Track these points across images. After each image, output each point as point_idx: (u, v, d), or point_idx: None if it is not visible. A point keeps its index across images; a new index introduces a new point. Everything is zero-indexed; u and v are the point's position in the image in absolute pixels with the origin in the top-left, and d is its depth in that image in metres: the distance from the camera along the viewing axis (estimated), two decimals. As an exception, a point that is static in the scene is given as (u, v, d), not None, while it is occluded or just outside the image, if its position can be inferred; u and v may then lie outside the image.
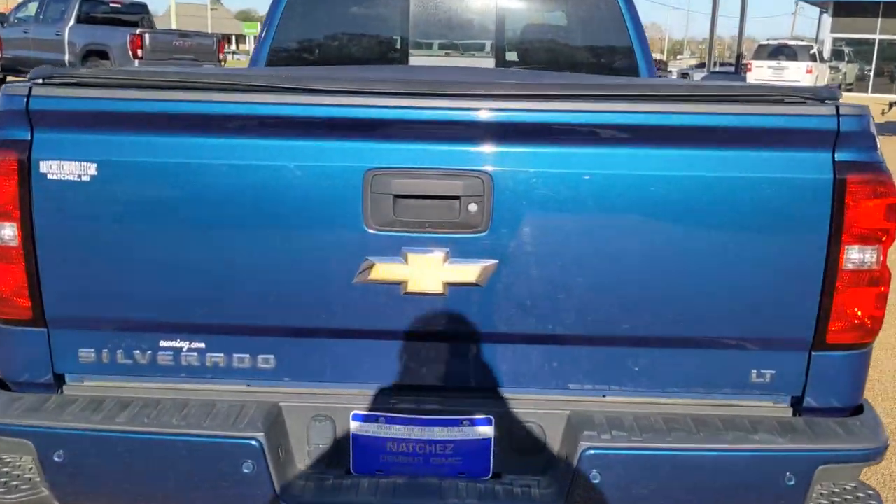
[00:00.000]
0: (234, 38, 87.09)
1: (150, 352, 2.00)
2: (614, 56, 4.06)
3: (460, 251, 1.89)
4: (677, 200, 1.87)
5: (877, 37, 35.51)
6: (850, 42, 36.66)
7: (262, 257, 1.90)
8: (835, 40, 36.55)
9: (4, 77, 15.16)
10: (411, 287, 1.90)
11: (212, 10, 77.65)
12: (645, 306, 1.94)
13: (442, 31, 4.40)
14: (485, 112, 1.88)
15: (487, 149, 1.87)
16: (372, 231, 1.87)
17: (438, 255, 1.88)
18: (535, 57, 4.22)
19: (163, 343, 2.00)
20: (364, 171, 1.85)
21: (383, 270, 1.89)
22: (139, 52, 16.00)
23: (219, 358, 2.01)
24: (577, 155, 1.87)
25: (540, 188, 1.86)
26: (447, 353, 2.03)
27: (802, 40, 36.72)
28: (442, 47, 4.56)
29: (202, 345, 2.00)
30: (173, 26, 36.40)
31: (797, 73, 29.39)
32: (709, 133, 1.89)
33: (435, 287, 1.90)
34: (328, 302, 1.94)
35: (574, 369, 2.02)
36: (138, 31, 16.48)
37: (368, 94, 1.89)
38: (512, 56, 4.27)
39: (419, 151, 1.87)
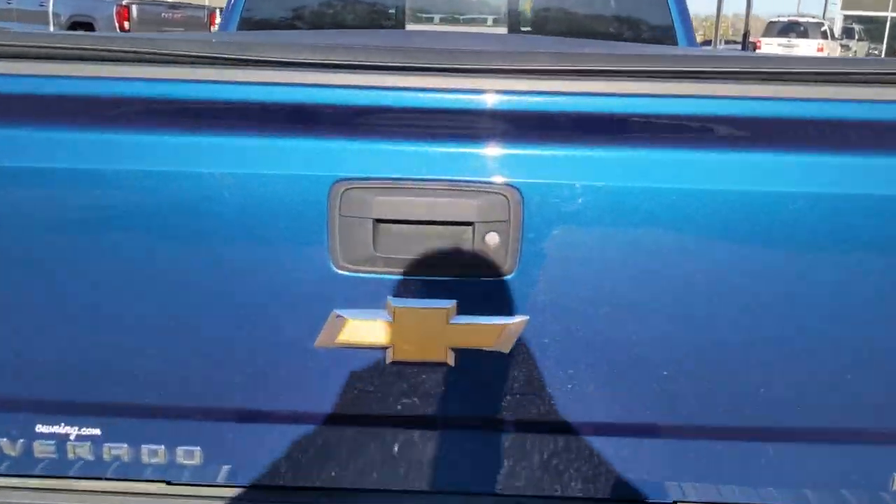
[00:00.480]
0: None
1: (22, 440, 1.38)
2: (650, 30, 3.41)
3: (473, 302, 1.26)
4: (816, 233, 1.22)
5: (889, 14, 34.71)
6: (860, 20, 35.86)
7: (178, 308, 1.28)
8: (846, 17, 35.77)
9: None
10: (400, 354, 1.28)
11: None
12: (760, 385, 1.30)
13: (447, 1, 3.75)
14: (512, 96, 1.25)
15: (516, 151, 1.24)
16: (342, 272, 1.25)
17: (440, 308, 1.26)
18: (556, 27, 3.57)
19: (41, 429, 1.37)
20: (330, 182, 1.22)
21: (359, 329, 1.27)
22: (126, 24, 15.31)
23: (121, 450, 1.38)
24: (657, 163, 1.22)
25: (595, 211, 1.22)
26: (451, 447, 1.41)
27: (813, 17, 35.97)
28: (443, 20, 3.90)
29: (97, 431, 1.37)
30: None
31: (808, 52, 28.70)
32: (855, 130, 1.24)
33: (435, 354, 1.28)
34: (278, 373, 1.32)
35: (638, 470, 1.39)
36: (125, 1, 15.74)
37: (333, 67, 1.24)
38: (528, 27, 3.62)
39: (412, 154, 1.24)
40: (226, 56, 1.23)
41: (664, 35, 3.32)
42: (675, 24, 3.33)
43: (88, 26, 15.74)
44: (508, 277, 1.23)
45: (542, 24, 3.63)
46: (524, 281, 1.23)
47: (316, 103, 1.25)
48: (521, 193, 1.20)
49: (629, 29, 3.49)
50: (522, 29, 3.59)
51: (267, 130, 1.23)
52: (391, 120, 1.25)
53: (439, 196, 1.22)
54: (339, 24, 3.49)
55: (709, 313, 1.25)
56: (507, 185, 1.21)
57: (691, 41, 3.41)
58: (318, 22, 3.50)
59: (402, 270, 1.23)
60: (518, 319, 1.25)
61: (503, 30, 3.49)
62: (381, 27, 3.59)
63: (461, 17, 3.78)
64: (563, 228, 1.22)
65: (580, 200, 1.20)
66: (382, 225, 1.23)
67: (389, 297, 1.24)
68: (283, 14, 3.56)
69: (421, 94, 1.23)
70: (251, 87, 1.24)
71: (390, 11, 3.56)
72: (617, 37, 3.43)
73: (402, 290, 1.24)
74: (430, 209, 1.22)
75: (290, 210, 1.22)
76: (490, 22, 3.66)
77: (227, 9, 3.55)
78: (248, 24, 3.44)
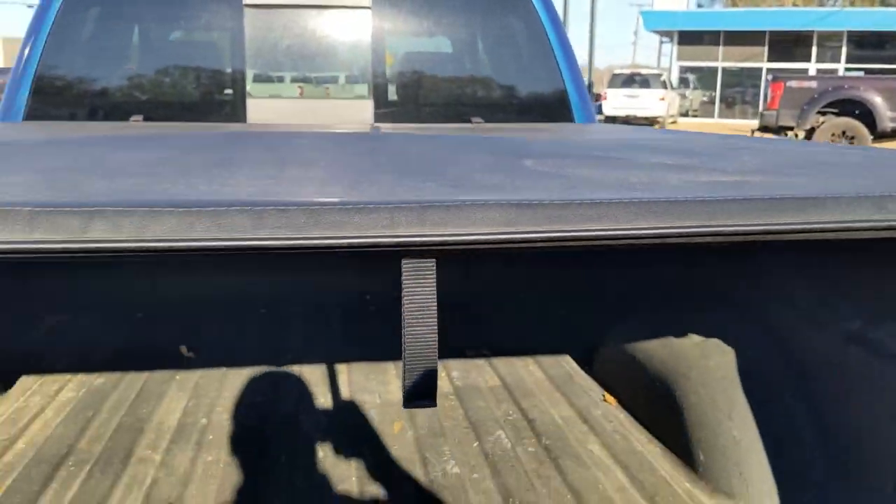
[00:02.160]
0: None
1: None
2: (540, 93, 2.90)
3: None
4: None
5: (719, 64, 36.78)
6: (694, 70, 37.85)
7: None
8: (681, 68, 37.66)
9: None
10: None
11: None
12: None
13: (293, 66, 3.10)
14: None
15: None
16: None
17: None
18: (429, 97, 2.98)
19: None
20: None
21: None
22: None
23: None
24: None
25: None
26: None
27: (652, 69, 37.65)
28: (294, 80, 3.23)
29: None
30: (2, 62, 33.40)
31: (650, 101, 29.94)
32: None
33: None
34: None
35: None
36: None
37: None
38: (395, 95, 3.01)
39: None
40: None
41: (556, 105, 2.81)
42: (569, 95, 2.83)
43: None
44: None
45: (413, 91, 3.04)
46: None
47: None
48: None
49: (512, 98, 2.97)
50: (390, 99, 2.99)
51: None
52: None
53: None
54: (166, 98, 2.79)
55: None
56: None
57: (581, 93, 2.92)
58: (140, 96, 2.79)
59: None
60: None
61: (369, 105, 2.88)
62: (219, 103, 2.91)
63: (317, 85, 3.14)
64: None
65: None
66: None
67: None
68: (88, 92, 2.82)
69: None
70: None
71: (228, 84, 2.88)
72: (500, 109, 2.90)
73: None
74: None
75: None
76: (349, 92, 3.05)
77: (14, 80, 2.79)
78: (40, 101, 2.68)
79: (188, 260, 2.41)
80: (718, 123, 33.27)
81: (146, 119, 2.84)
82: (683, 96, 37.01)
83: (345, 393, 2.36)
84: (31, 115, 2.85)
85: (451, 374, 2.55)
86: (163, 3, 2.95)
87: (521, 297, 2.69)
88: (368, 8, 2.89)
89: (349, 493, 1.85)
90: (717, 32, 36.17)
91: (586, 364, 2.59)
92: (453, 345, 2.57)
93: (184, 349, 2.62)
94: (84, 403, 2.26)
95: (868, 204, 0.98)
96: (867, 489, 1.51)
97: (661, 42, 42.20)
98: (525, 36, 2.95)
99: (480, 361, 2.62)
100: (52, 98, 2.84)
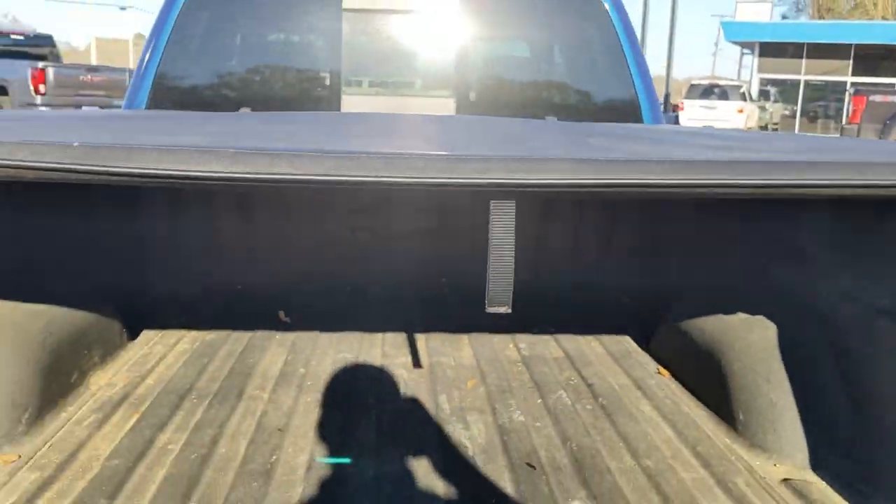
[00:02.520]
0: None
1: None
2: (613, 96, 3.14)
3: None
4: None
5: (802, 77, 36.09)
6: (775, 82, 37.21)
7: None
8: (761, 80, 37.07)
9: None
10: None
11: (135, 45, 75.67)
12: None
13: (383, 64, 3.42)
14: None
15: None
16: None
17: None
18: (508, 96, 3.26)
19: None
20: None
21: None
22: (41, 87, 14.66)
23: None
24: None
25: None
26: None
27: (731, 80, 37.14)
28: (384, 78, 3.54)
29: None
30: (94, 61, 34.90)
31: (728, 113, 29.61)
32: None
33: None
34: None
35: None
36: (41, 64, 15.10)
37: None
38: (476, 94, 3.30)
39: None
40: None
41: (627, 107, 3.05)
42: (639, 98, 3.06)
43: (2, 90, 15.08)
44: None
45: (491, 91, 3.32)
46: None
47: None
48: None
49: (590, 101, 3.22)
50: (470, 98, 3.27)
51: None
52: None
53: None
54: (268, 94, 3.14)
55: None
56: None
57: (651, 97, 3.16)
58: (244, 94, 3.13)
59: None
60: None
61: (452, 103, 3.17)
62: (315, 93, 3.24)
63: (404, 83, 3.45)
64: None
65: None
66: None
67: None
68: (201, 86, 3.18)
69: None
70: None
71: (325, 80, 3.21)
72: (575, 110, 3.16)
73: None
74: None
75: None
76: (435, 93, 3.34)
77: (138, 75, 3.15)
78: (161, 93, 3.04)
79: (299, 241, 2.76)
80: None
81: (252, 110, 3.18)
82: (763, 109, 36.42)
83: (423, 356, 2.64)
84: (153, 104, 3.21)
85: (519, 346, 2.80)
86: (269, 8, 3.29)
87: (586, 286, 2.94)
88: (454, 14, 3.17)
89: (428, 429, 2.12)
90: (801, 45, 35.48)
91: (644, 342, 2.82)
92: (524, 320, 2.83)
93: (281, 314, 2.94)
94: (199, 353, 2.59)
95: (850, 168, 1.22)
96: (889, 447, 1.71)
97: (743, 53, 41.57)
98: (599, 42, 3.19)
99: (546, 336, 2.87)
100: (171, 91, 3.20)
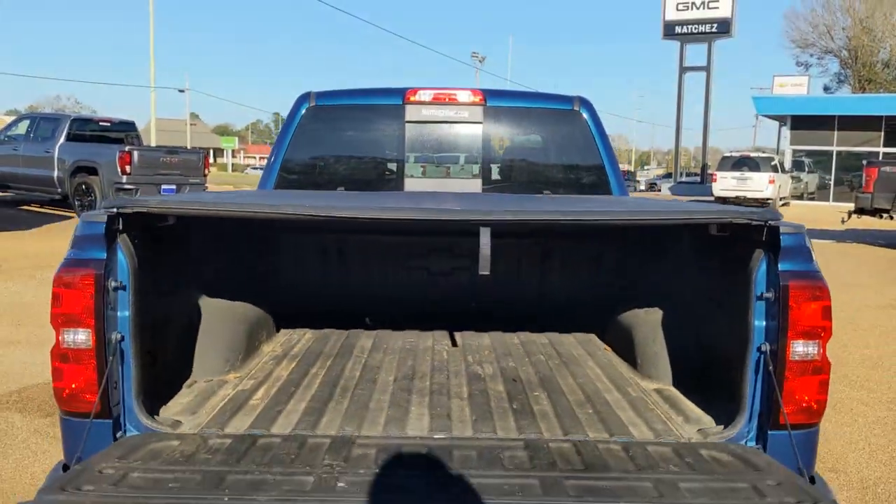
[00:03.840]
0: (212, 151, 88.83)
1: None
2: (589, 176, 4.54)
3: None
4: None
5: (834, 148, 37.09)
6: (809, 153, 38.25)
7: None
8: (794, 152, 38.12)
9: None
10: None
11: (191, 125, 79.54)
12: None
13: (433, 155, 4.87)
14: None
15: None
16: None
17: None
18: (518, 177, 4.69)
19: None
20: None
21: None
22: (127, 167, 16.47)
23: None
24: None
25: None
26: None
27: (764, 151, 38.21)
28: (432, 166, 4.99)
29: None
30: (153, 140, 37.32)
31: (760, 184, 30.40)
32: None
33: None
34: None
35: None
36: (127, 148, 17.00)
37: None
38: (496, 176, 4.73)
39: None
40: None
41: (598, 175, 4.46)
42: (606, 168, 4.47)
43: (92, 171, 16.92)
44: None
45: (508, 175, 4.76)
46: None
47: None
48: None
49: (569, 173, 4.63)
50: (493, 178, 4.71)
51: None
52: None
53: None
54: (356, 178, 4.60)
55: None
56: None
57: (618, 178, 4.54)
58: (341, 177, 4.60)
59: None
60: None
61: (479, 182, 4.61)
62: (387, 177, 4.70)
63: (446, 170, 4.91)
64: None
65: None
66: None
67: None
68: (311, 171, 4.66)
69: None
70: None
71: (392, 169, 4.68)
72: (562, 181, 4.57)
73: None
74: None
75: None
76: (468, 174, 4.78)
77: (268, 167, 4.64)
78: (284, 179, 4.52)
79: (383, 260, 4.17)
80: (831, 206, 33.25)
81: (346, 189, 4.62)
82: (798, 179, 37.38)
83: (458, 341, 3.96)
84: (279, 185, 4.68)
85: (519, 337, 4.07)
86: (356, 121, 4.78)
87: (560, 299, 4.33)
88: (480, 123, 4.59)
89: (460, 369, 3.47)
90: (832, 117, 36.60)
91: (601, 333, 4.14)
92: (523, 324, 4.19)
93: (367, 320, 4.32)
94: (320, 338, 3.95)
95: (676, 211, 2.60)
96: (714, 373, 2.98)
97: (780, 126, 42.85)
98: (580, 142, 4.58)
99: (538, 333, 4.19)
100: (292, 174, 4.68)
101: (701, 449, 2.38)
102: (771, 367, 2.33)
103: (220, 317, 3.28)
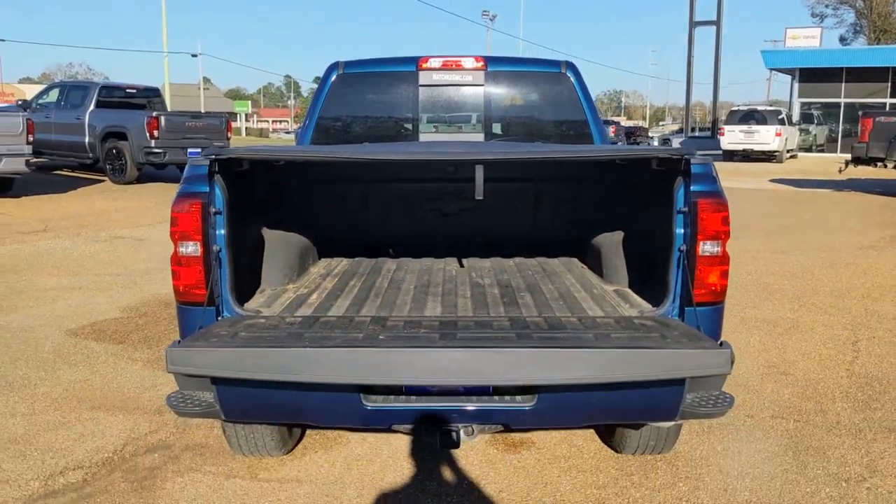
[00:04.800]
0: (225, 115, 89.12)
1: None
2: (574, 128, 5.40)
3: None
4: None
5: (842, 100, 37.44)
6: (817, 106, 38.62)
7: None
8: (803, 104, 38.49)
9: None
10: None
11: (204, 89, 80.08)
12: None
13: (443, 113, 5.73)
14: None
15: None
16: None
17: None
18: (515, 131, 5.55)
19: None
20: None
21: None
22: (155, 132, 17.36)
23: None
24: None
25: None
26: None
27: (772, 105, 38.58)
28: (443, 122, 5.85)
29: None
30: (167, 105, 38.20)
31: (767, 137, 30.97)
32: None
33: None
34: None
35: None
36: (154, 113, 17.88)
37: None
38: (496, 130, 5.59)
39: None
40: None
41: (581, 127, 5.31)
42: (588, 120, 5.31)
43: (121, 136, 17.83)
44: None
45: (506, 128, 5.62)
46: None
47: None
48: None
49: (557, 126, 5.48)
50: (493, 132, 5.57)
51: None
52: None
53: None
54: (378, 133, 5.47)
55: None
56: None
57: (600, 128, 5.39)
58: (365, 134, 5.47)
59: None
60: None
61: (481, 135, 5.47)
62: (404, 131, 5.57)
63: (454, 126, 5.77)
64: None
65: None
66: None
67: None
68: (341, 129, 5.54)
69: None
70: None
71: (408, 126, 5.56)
72: (551, 136, 5.42)
73: None
74: None
75: None
76: (473, 129, 5.65)
77: (304, 126, 5.52)
78: (319, 135, 5.40)
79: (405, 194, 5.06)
80: (839, 158, 33.71)
81: (369, 142, 5.47)
82: (807, 132, 37.83)
83: (465, 263, 4.86)
84: (314, 141, 5.55)
85: (514, 260, 4.94)
86: (379, 86, 5.62)
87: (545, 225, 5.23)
88: (482, 86, 5.42)
89: (465, 279, 4.34)
90: (840, 69, 36.91)
91: (581, 257, 5.00)
92: (519, 251, 5.08)
93: (391, 251, 5.20)
94: (354, 263, 4.78)
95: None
96: (658, 276, 3.77)
97: (792, 80, 43.13)
98: (567, 99, 5.40)
99: (531, 258, 5.06)
100: (325, 132, 5.53)
101: (635, 319, 3.28)
102: (686, 262, 3.21)
103: (278, 243, 4.18)
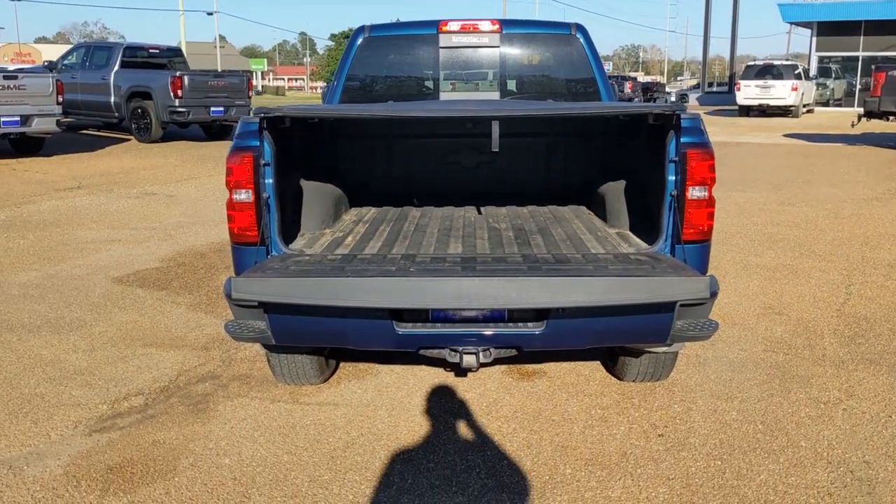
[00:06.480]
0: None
1: None
2: (584, 86, 5.79)
3: None
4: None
5: (860, 54, 37.20)
6: (835, 60, 38.38)
7: None
8: (821, 58, 38.26)
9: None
10: None
11: (220, 47, 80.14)
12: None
13: (461, 73, 6.12)
14: None
15: None
16: None
17: None
18: (528, 89, 5.95)
19: None
20: None
21: None
22: (179, 92, 17.78)
23: None
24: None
25: None
26: None
27: (789, 59, 38.37)
28: (461, 81, 6.25)
29: None
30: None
31: (783, 91, 30.92)
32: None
33: None
34: None
35: None
36: (178, 73, 18.28)
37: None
38: (511, 88, 5.99)
39: None
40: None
41: (589, 84, 5.70)
42: (596, 79, 5.70)
43: (146, 95, 18.27)
44: None
45: (520, 87, 6.02)
46: None
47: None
48: None
49: (567, 84, 5.88)
50: (508, 90, 5.97)
51: None
52: None
53: None
54: (402, 92, 5.89)
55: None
56: None
57: (607, 87, 5.78)
58: (389, 92, 5.89)
59: None
60: None
61: (497, 94, 5.87)
62: (427, 94, 5.97)
63: (472, 85, 6.17)
64: None
65: None
66: None
67: None
68: (367, 89, 5.96)
69: None
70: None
71: (429, 85, 5.96)
72: (562, 95, 5.82)
73: None
74: None
75: None
76: (489, 88, 6.05)
77: (331, 87, 5.93)
78: (347, 94, 5.82)
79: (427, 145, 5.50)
80: (854, 112, 33.54)
81: (393, 101, 5.89)
82: (824, 86, 37.66)
83: (483, 211, 5.30)
84: (342, 100, 5.97)
85: (528, 208, 5.39)
86: (402, 48, 6.02)
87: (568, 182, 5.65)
88: (497, 47, 5.80)
89: (483, 223, 4.80)
90: (858, 22, 36.61)
91: (588, 205, 5.43)
92: (532, 200, 5.51)
93: (415, 201, 5.64)
94: (382, 212, 5.23)
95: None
96: (653, 220, 4.19)
97: (812, 33, 42.84)
98: (576, 59, 5.78)
99: (544, 206, 5.50)
100: (352, 91, 5.95)
101: (631, 255, 3.73)
102: (677, 205, 3.64)
103: (315, 193, 4.64)
